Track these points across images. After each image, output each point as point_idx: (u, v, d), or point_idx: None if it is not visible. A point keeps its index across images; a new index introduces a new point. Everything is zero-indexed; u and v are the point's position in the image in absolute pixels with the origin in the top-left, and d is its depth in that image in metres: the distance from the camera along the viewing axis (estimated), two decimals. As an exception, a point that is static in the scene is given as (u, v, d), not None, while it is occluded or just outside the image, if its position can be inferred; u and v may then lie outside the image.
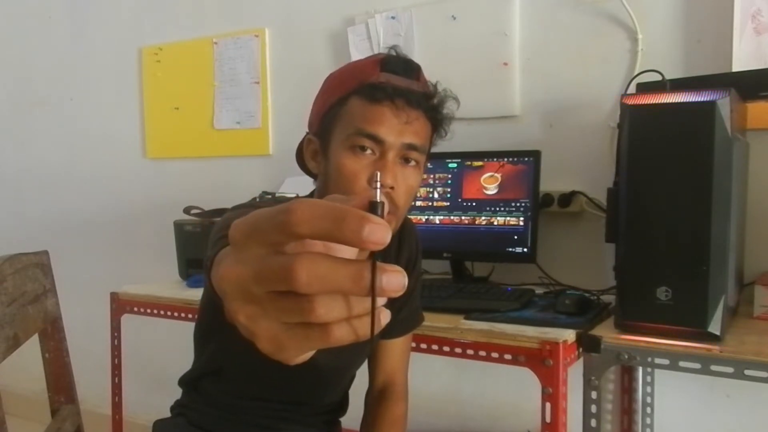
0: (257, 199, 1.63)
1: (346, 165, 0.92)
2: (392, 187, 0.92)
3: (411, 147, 0.94)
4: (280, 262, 0.32)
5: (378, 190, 0.34)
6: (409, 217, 1.20)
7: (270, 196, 1.74)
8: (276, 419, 1.10)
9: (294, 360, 0.36)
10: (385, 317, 0.35)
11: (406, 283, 0.33)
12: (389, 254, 1.11)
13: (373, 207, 0.33)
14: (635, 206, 1.14)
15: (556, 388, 1.16)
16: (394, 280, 0.33)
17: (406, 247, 1.15)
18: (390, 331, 1.17)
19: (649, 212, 1.13)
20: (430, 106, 0.96)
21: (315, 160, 1.00)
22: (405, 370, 1.23)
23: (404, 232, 1.14)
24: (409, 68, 0.96)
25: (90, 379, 1.97)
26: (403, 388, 1.22)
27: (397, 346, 1.19)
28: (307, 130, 1.03)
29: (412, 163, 0.96)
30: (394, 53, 0.97)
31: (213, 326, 1.02)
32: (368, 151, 0.92)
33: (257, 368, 1.03)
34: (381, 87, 0.91)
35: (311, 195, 1.05)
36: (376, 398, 1.18)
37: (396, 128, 0.92)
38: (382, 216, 0.33)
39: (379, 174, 0.37)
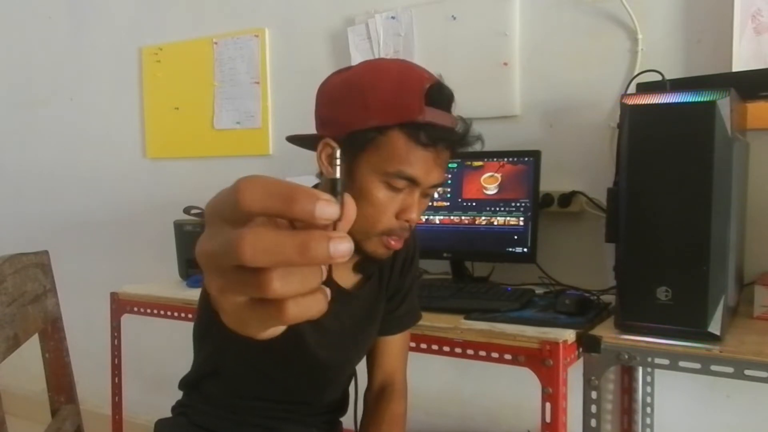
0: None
1: (378, 197, 0.95)
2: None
3: (436, 186, 0.99)
4: (229, 237, 0.32)
5: (338, 168, 0.36)
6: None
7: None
8: (277, 419, 1.10)
9: (260, 335, 0.36)
10: (326, 295, 0.34)
11: (352, 247, 0.33)
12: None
13: (333, 184, 0.34)
14: (635, 206, 1.14)
15: (556, 388, 1.16)
16: (341, 246, 0.32)
17: (403, 245, 1.15)
18: (388, 328, 1.17)
19: (649, 212, 1.13)
20: (459, 144, 0.99)
21: (330, 165, 0.99)
22: (404, 368, 1.23)
23: None
24: (450, 101, 0.97)
25: (90, 379, 1.97)
26: (403, 386, 1.22)
27: (395, 343, 1.20)
28: (320, 129, 1.00)
29: (431, 192, 1.01)
30: (437, 84, 0.94)
31: (209, 325, 1.02)
32: (401, 187, 0.95)
33: (253, 367, 1.04)
34: (427, 129, 0.92)
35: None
36: (376, 397, 1.18)
37: (431, 171, 0.95)
38: (341, 192, 0.34)
39: (339, 152, 0.37)
